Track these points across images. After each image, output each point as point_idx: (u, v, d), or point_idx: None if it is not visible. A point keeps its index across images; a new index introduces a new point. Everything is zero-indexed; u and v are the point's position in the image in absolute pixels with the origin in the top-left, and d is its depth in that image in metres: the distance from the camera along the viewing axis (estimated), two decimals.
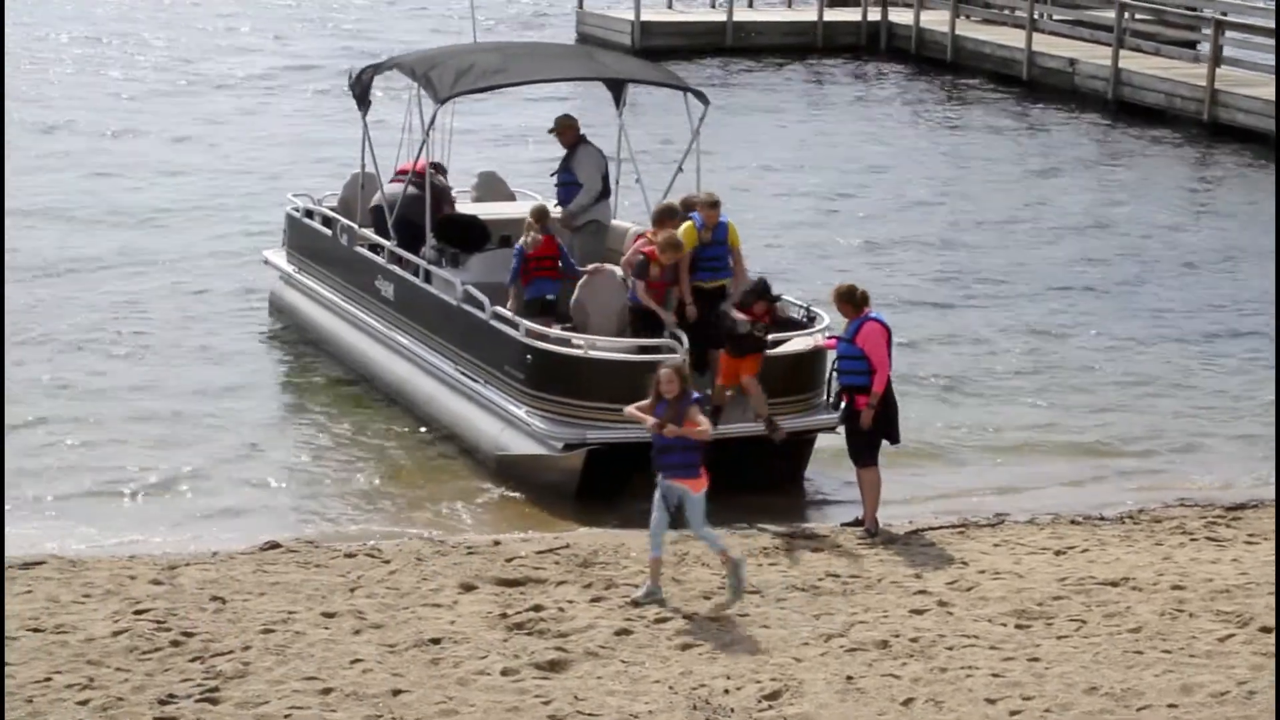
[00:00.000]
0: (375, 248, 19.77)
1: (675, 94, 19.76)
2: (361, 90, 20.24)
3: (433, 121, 18.90)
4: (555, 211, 19.89)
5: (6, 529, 15.56)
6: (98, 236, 26.40)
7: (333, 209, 21.23)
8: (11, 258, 24.05)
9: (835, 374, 16.02)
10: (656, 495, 13.72)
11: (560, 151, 19.79)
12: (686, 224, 17.17)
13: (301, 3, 54.92)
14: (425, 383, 18.51)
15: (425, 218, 18.91)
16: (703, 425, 13.63)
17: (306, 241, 21.41)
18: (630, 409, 14.06)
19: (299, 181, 26.49)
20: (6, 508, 16.06)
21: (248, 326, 22.21)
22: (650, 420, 13.68)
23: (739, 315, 16.28)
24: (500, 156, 30.14)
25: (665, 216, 17.27)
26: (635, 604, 13.57)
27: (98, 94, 38.71)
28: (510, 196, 21.67)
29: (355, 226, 20.22)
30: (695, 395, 13.83)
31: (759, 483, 16.86)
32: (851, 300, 15.61)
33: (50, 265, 24.61)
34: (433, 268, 18.71)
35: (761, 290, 16.50)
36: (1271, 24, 38.71)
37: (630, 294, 17.12)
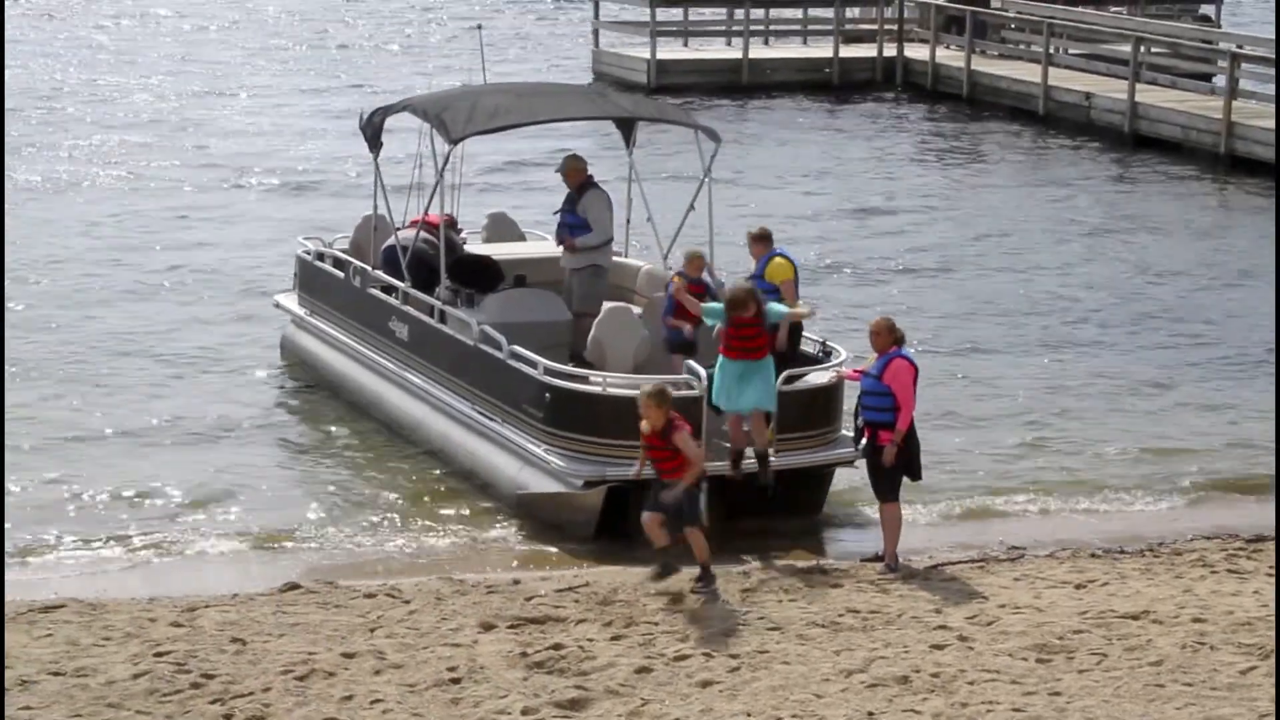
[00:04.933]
0: (389, 289, 19.79)
1: (687, 132, 19.79)
2: (373, 132, 20.25)
3: (445, 163, 18.94)
4: (556, 250, 19.85)
5: (24, 574, 15.64)
6: (104, 283, 26.40)
7: (344, 251, 21.26)
8: (20, 295, 24.21)
9: (859, 409, 15.99)
10: None
11: (562, 190, 19.76)
12: None
13: (315, 49, 55.26)
14: (442, 423, 18.51)
15: (439, 259, 18.95)
16: None
17: (318, 284, 21.42)
18: None
19: (309, 222, 26.55)
20: (24, 553, 16.16)
21: (260, 370, 22.21)
22: None
23: None
24: (510, 196, 30.26)
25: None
26: None
27: (99, 132, 38.93)
28: (521, 237, 21.73)
29: (368, 268, 20.25)
30: None
31: (778, 516, 16.85)
32: (887, 337, 15.56)
33: (62, 307, 24.72)
34: (448, 308, 18.73)
35: None
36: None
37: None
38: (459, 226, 20.51)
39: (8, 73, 38.00)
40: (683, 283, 17.36)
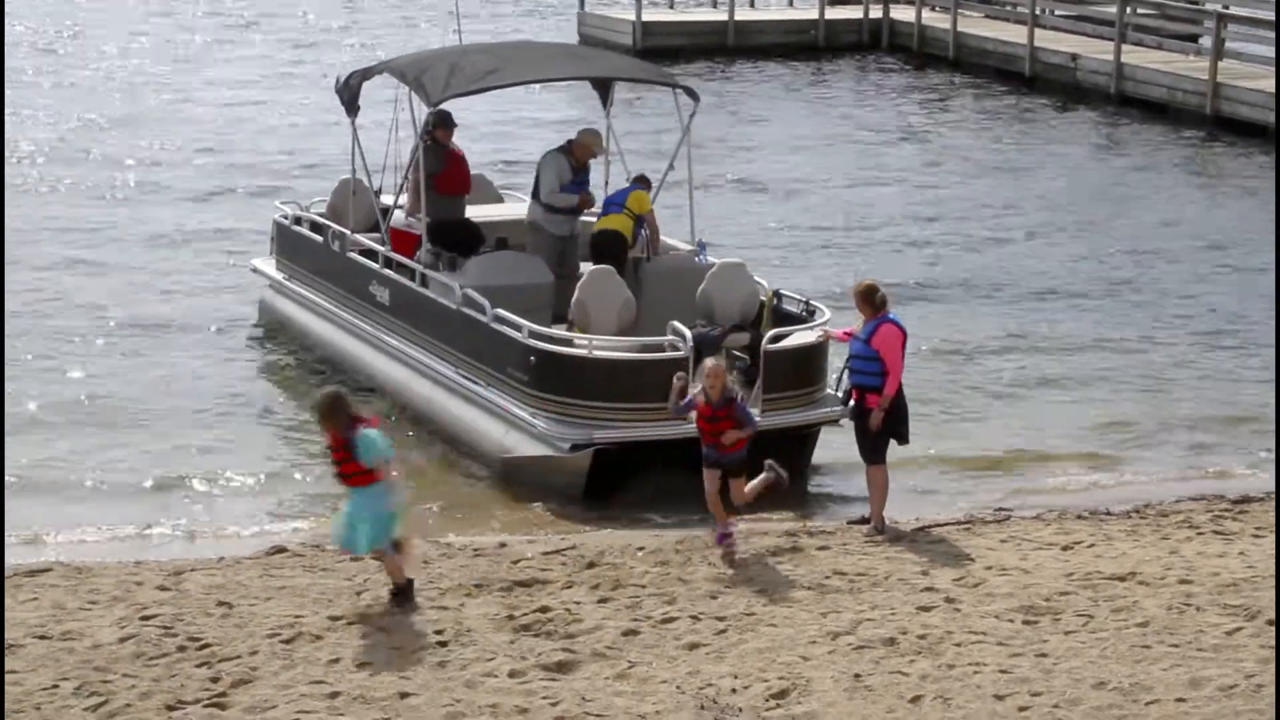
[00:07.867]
0: (369, 253, 19.74)
1: (667, 92, 19.72)
2: (350, 96, 20.10)
3: (425, 125, 18.86)
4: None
5: (10, 538, 15.59)
6: (79, 252, 26.24)
7: (321, 215, 21.16)
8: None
9: (847, 371, 15.97)
10: None
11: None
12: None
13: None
14: (426, 387, 18.48)
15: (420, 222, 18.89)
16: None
17: (297, 249, 21.34)
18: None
19: (288, 186, 26.35)
20: (10, 518, 16.10)
21: (239, 335, 22.12)
22: None
23: None
24: (489, 157, 30.19)
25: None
26: None
27: (71, 96, 38.76)
28: (498, 198, 21.64)
29: (347, 232, 20.18)
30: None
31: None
32: (870, 301, 15.46)
33: (39, 277, 24.58)
34: (430, 272, 18.67)
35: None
36: (1273, 16, 38.70)
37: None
38: (452, 127, 19.73)
39: None
40: (702, 401, 14.64)
